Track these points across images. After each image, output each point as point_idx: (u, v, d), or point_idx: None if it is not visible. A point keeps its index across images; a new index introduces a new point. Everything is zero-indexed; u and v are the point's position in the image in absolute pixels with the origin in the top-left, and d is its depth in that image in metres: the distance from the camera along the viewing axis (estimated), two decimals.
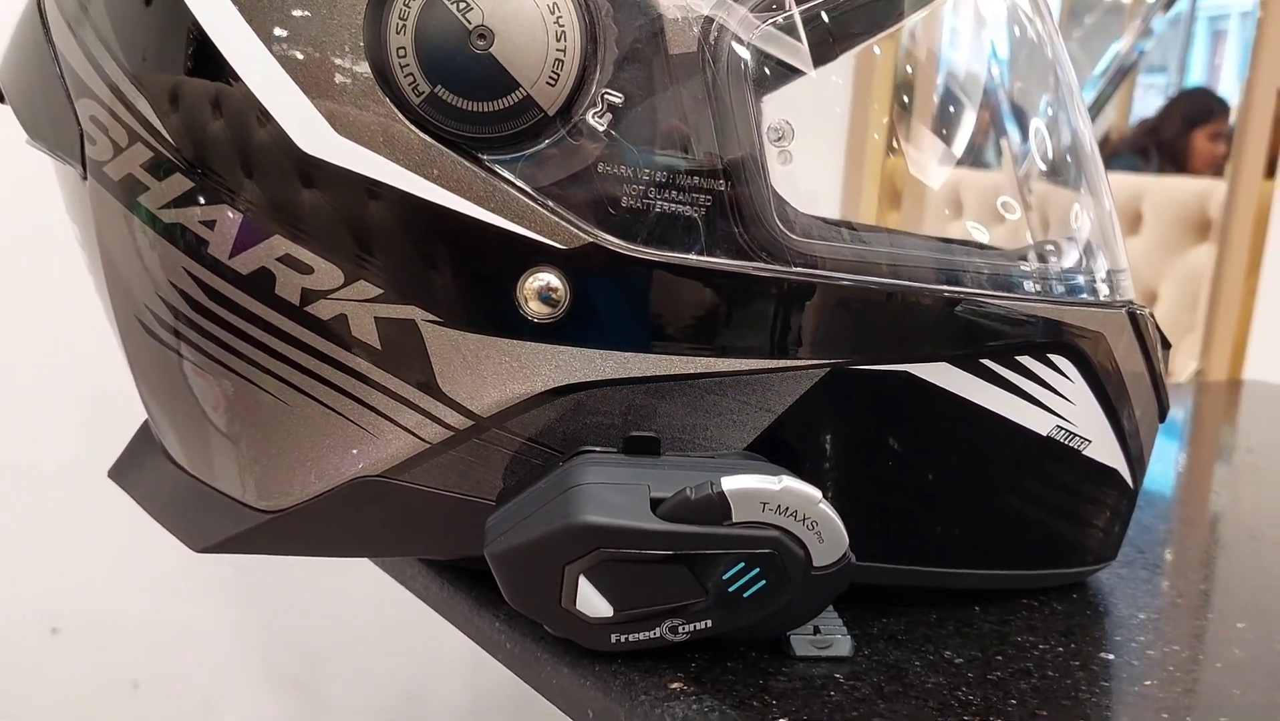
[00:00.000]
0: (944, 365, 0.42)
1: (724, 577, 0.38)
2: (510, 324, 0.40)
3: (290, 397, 0.42)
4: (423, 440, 0.41)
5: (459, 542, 0.43)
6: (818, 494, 0.38)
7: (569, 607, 0.39)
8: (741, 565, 0.38)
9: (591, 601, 0.39)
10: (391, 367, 0.41)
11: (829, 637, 0.42)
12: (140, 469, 0.51)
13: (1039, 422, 0.45)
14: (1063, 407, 0.45)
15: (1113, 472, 0.48)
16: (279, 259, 0.40)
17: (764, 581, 0.38)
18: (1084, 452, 0.46)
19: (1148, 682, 0.42)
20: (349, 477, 0.42)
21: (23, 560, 1.06)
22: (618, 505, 0.38)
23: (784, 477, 0.38)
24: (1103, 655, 0.44)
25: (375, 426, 0.42)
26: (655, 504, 0.38)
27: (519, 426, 0.41)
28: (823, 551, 0.38)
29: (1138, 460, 0.49)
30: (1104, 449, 0.47)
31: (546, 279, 0.39)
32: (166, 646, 1.14)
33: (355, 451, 0.42)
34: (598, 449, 0.40)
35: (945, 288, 0.42)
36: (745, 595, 0.38)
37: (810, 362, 0.41)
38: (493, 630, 0.46)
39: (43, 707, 1.08)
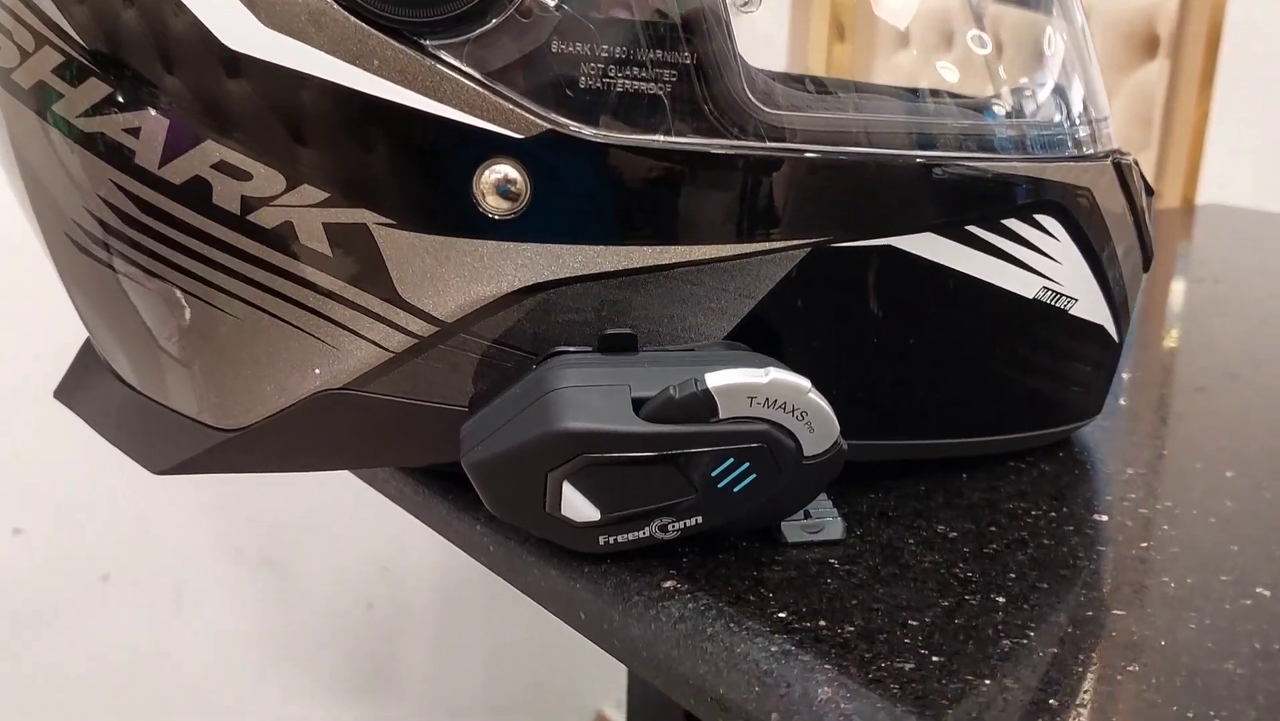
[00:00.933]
0: (928, 235, 0.40)
1: (713, 474, 0.37)
2: (469, 222, 0.37)
3: (241, 313, 0.40)
4: (385, 350, 0.39)
5: (432, 450, 0.42)
6: (806, 383, 0.36)
7: (553, 513, 0.37)
8: (730, 461, 0.37)
9: (577, 505, 0.37)
10: (346, 276, 0.38)
11: (820, 521, 0.41)
12: (88, 389, 0.48)
13: (1026, 286, 0.43)
14: (1049, 269, 0.43)
15: (1098, 329, 0.47)
16: (214, 166, 0.37)
17: (754, 475, 0.37)
18: (1070, 312, 0.45)
19: (1144, 545, 0.42)
20: (310, 392, 0.40)
21: None
22: (599, 408, 0.36)
23: (771, 370, 0.36)
24: (1095, 517, 0.44)
25: (334, 338, 0.39)
26: (637, 404, 0.36)
27: (486, 330, 0.39)
28: (813, 440, 0.37)
29: (1123, 312, 0.48)
30: (1090, 306, 0.46)
31: (504, 171, 0.37)
32: (134, 537, 1.13)
33: (315, 365, 0.40)
34: (572, 349, 0.38)
35: (924, 153, 0.40)
36: (735, 490, 0.37)
37: (790, 244, 0.39)
38: (474, 533, 0.45)
39: (10, 608, 1.07)
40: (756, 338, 0.40)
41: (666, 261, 0.38)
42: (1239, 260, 0.98)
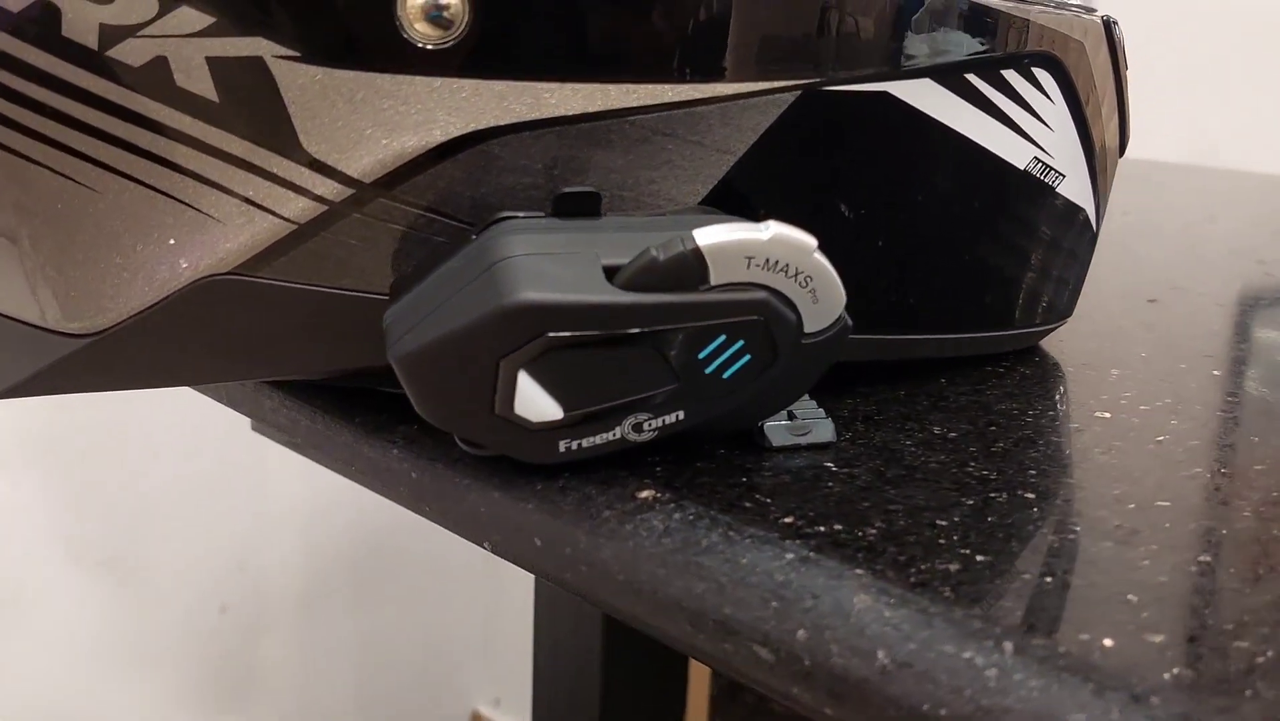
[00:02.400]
0: (927, 82, 0.35)
1: (700, 356, 0.31)
2: (391, 54, 0.30)
3: (97, 180, 0.32)
4: (286, 220, 0.32)
5: (343, 352, 0.34)
6: (813, 241, 0.30)
7: (504, 414, 0.31)
8: (722, 338, 0.30)
9: (534, 401, 0.30)
10: (235, 127, 0.31)
11: (806, 422, 0.35)
12: None
13: (1018, 153, 0.38)
14: (1042, 135, 0.39)
15: (1080, 213, 0.43)
16: None
17: (748, 356, 0.31)
18: (1058, 189, 0.40)
19: (1160, 439, 0.37)
20: (189, 280, 0.32)
21: None
22: (563, 278, 0.29)
23: (771, 224, 0.30)
24: (1099, 414, 0.39)
25: (220, 208, 0.32)
26: (609, 273, 0.30)
27: (413, 193, 0.32)
28: (817, 313, 0.31)
29: (1103, 198, 0.44)
30: (1076, 185, 0.41)
31: None
32: None
33: (195, 244, 0.32)
34: (520, 214, 0.32)
35: None
36: (724, 375, 0.31)
37: (779, 84, 0.33)
38: (388, 459, 0.37)
39: None
40: (730, 207, 0.34)
41: (634, 104, 0.31)
42: (1135, 200, 0.97)
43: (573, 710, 0.78)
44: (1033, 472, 0.34)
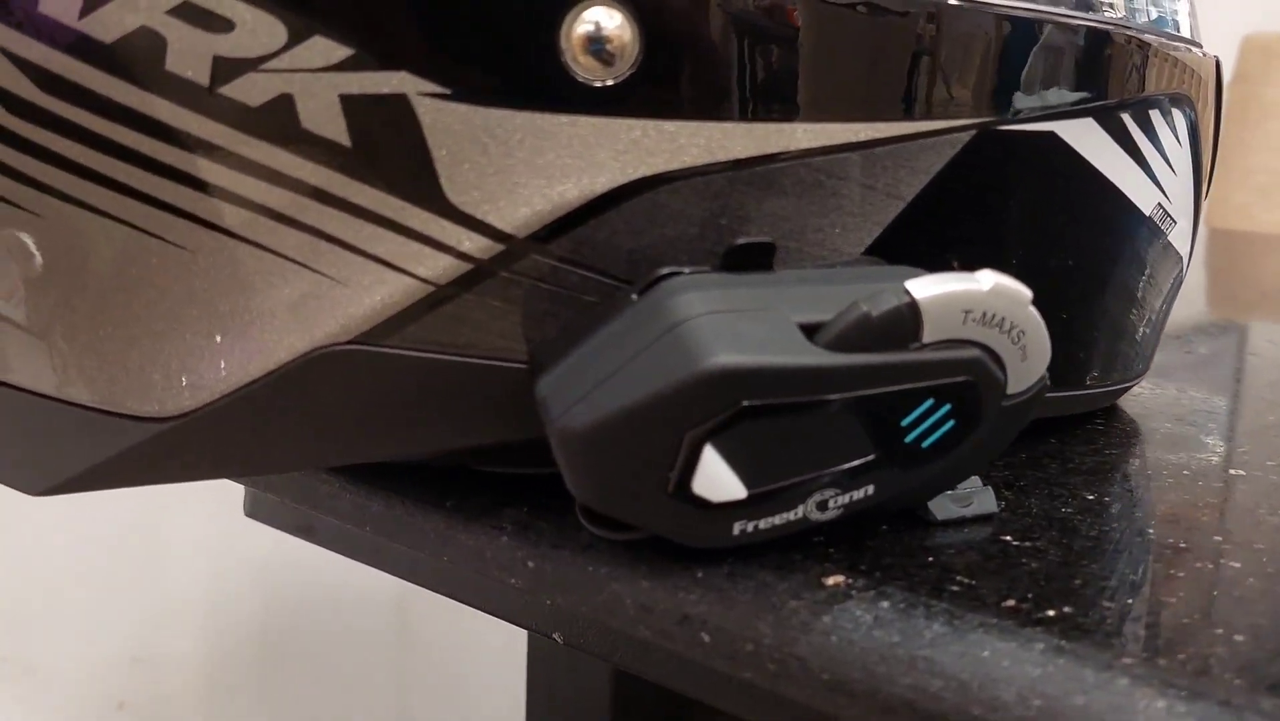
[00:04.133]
0: (1089, 123, 0.33)
1: (902, 424, 0.27)
2: (555, 91, 0.27)
3: (189, 238, 0.27)
4: (422, 281, 0.28)
5: (470, 427, 0.30)
6: (1029, 293, 0.28)
7: (680, 493, 0.27)
8: (929, 402, 0.27)
9: (717, 479, 0.27)
10: (368, 176, 0.27)
11: (968, 492, 0.32)
12: None
13: (1147, 199, 0.37)
14: (1167, 179, 0.37)
15: (1180, 262, 0.41)
16: (171, 11, 0.25)
17: (951, 422, 0.28)
18: (1169, 236, 0.39)
19: None
20: (302, 351, 0.28)
21: None
22: (759, 339, 0.26)
23: (987, 274, 0.27)
24: (1232, 471, 0.37)
25: (343, 269, 0.28)
26: (807, 331, 0.27)
27: (568, 248, 0.28)
28: (1022, 372, 0.29)
29: (1191, 250, 0.43)
30: (1181, 232, 0.40)
31: (598, 18, 0.27)
32: None
33: (310, 310, 0.28)
34: (687, 269, 0.28)
35: (1089, 16, 0.32)
36: (925, 444, 0.28)
37: (958, 123, 0.30)
38: (495, 547, 0.33)
39: None
40: (892, 257, 0.31)
41: (810, 144, 0.29)
42: None
43: None
44: (1218, 538, 0.32)
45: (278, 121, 0.26)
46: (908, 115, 0.29)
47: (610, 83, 0.27)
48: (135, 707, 1.15)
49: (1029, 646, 0.25)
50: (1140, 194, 0.36)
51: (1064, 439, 0.40)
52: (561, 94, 0.27)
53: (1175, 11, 0.38)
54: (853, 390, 0.26)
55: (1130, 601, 0.27)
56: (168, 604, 1.17)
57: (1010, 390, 0.29)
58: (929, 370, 0.27)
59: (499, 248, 0.28)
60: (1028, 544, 0.31)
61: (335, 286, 0.28)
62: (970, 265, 0.31)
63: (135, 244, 0.27)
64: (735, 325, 0.26)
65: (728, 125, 0.28)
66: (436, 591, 0.40)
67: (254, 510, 0.51)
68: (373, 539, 0.38)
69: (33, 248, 0.28)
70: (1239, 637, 0.26)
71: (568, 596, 0.32)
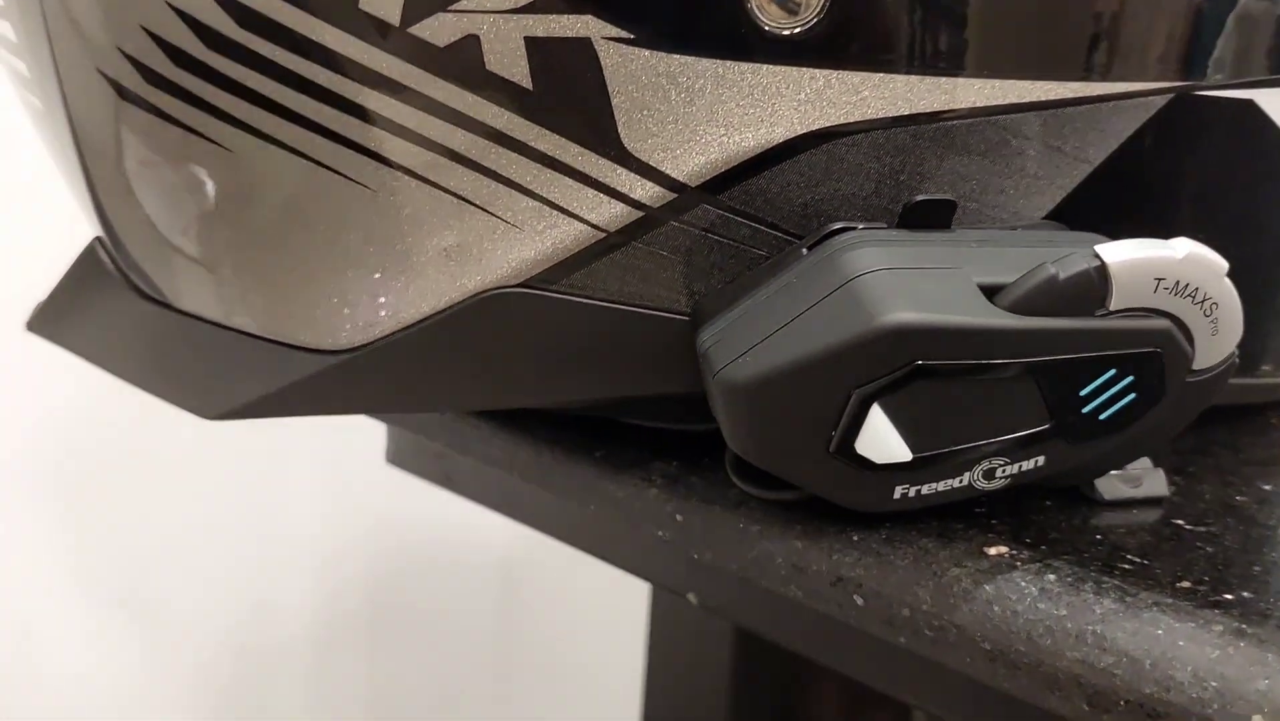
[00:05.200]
0: None
1: (1081, 394, 0.27)
2: (738, 38, 0.27)
3: (374, 177, 0.28)
4: (594, 227, 0.28)
5: (629, 378, 0.30)
6: (1225, 263, 0.26)
7: (842, 452, 0.27)
8: (1111, 372, 0.26)
9: (883, 440, 0.26)
10: (547, 119, 0.27)
11: (1136, 473, 0.31)
12: (86, 313, 0.35)
13: None
14: None
15: None
16: None
17: (1132, 395, 0.27)
18: None
19: None
20: (474, 291, 0.28)
21: None
22: (938, 297, 0.26)
23: (1182, 241, 0.26)
24: None
25: (517, 212, 0.28)
26: (988, 293, 0.26)
27: (741, 199, 0.28)
28: (1212, 347, 0.27)
29: None
30: None
31: None
32: None
33: (483, 252, 0.28)
34: (859, 225, 0.28)
35: None
36: (1102, 416, 0.27)
37: (1155, 85, 0.29)
38: (644, 499, 0.33)
39: None
40: (1075, 224, 0.30)
41: (998, 101, 0.28)
42: None
43: None
44: None
45: (463, 62, 0.26)
46: (1097, 75, 0.28)
47: (795, 31, 0.26)
48: (251, 653, 1.19)
49: (1207, 627, 0.24)
50: None
51: (1234, 429, 0.38)
52: (746, 42, 0.27)
53: None
54: (1033, 355, 0.26)
55: None
56: (284, 555, 1.20)
57: (1196, 366, 0.27)
58: (1115, 339, 0.26)
59: (671, 196, 0.27)
60: (1202, 529, 0.30)
61: (509, 229, 0.28)
62: (1158, 236, 0.30)
63: (318, 180, 0.28)
64: (913, 282, 0.26)
65: (911, 78, 0.27)
66: (573, 544, 0.41)
67: (397, 457, 0.52)
68: (513, 487, 0.39)
69: (217, 181, 0.29)
70: None
71: (717, 552, 0.32)
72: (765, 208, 0.28)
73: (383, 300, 0.29)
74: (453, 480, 0.51)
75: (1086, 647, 0.25)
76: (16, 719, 1.00)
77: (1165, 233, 0.27)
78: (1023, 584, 0.27)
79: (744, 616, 0.40)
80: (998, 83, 0.28)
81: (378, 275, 0.29)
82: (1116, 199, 0.31)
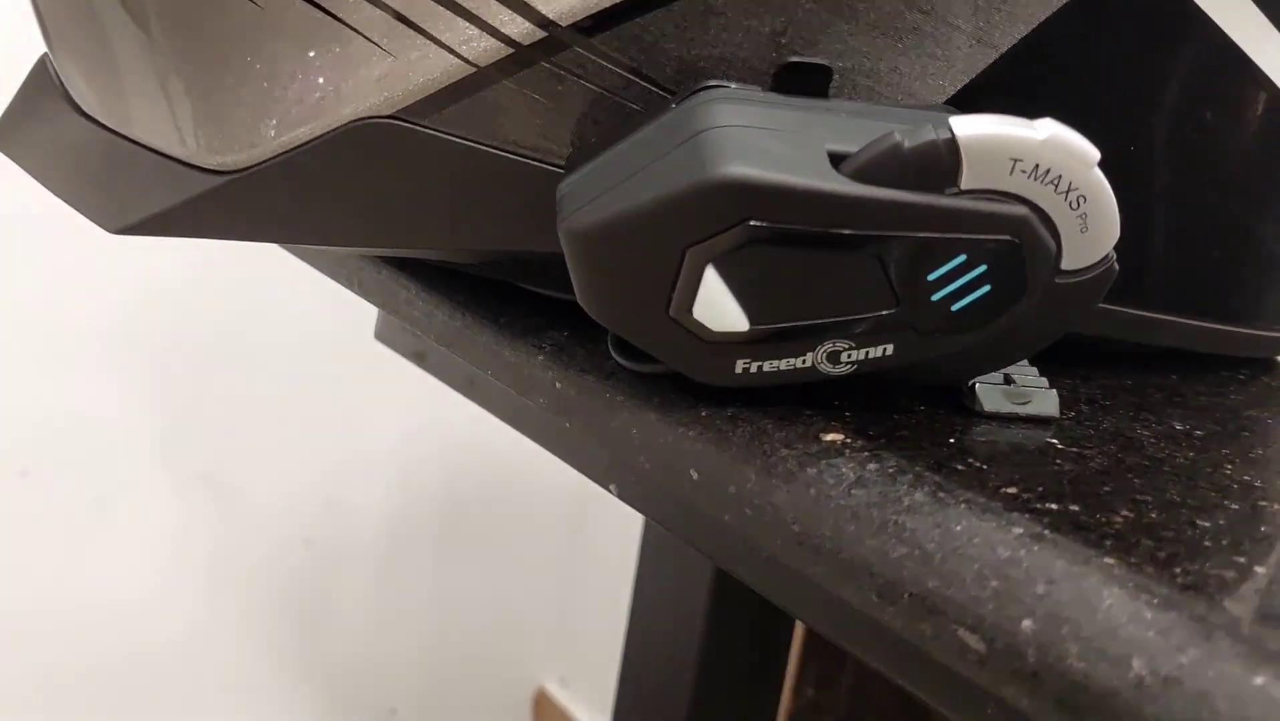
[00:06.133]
0: None
1: (929, 278, 0.25)
2: None
3: None
4: (465, 61, 0.27)
5: (504, 229, 0.30)
6: (1096, 152, 0.25)
7: (680, 316, 0.26)
8: (962, 259, 0.25)
9: (719, 306, 0.25)
10: None
11: (1027, 390, 0.30)
12: (33, 127, 0.36)
13: None
14: None
15: None
16: None
17: (987, 286, 0.25)
18: None
19: None
20: (348, 119, 0.28)
21: None
22: (781, 156, 0.24)
23: (1045, 121, 0.24)
24: None
25: (391, 40, 0.27)
26: (836, 160, 0.25)
27: (614, 45, 0.27)
28: (1081, 246, 0.26)
29: None
30: None
31: None
32: (58, 434, 1.00)
33: (358, 79, 0.28)
34: (734, 84, 0.27)
35: None
36: (954, 307, 0.26)
37: None
38: (531, 365, 0.33)
39: None
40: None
41: None
42: None
43: (661, 692, 0.73)
44: None
45: None
46: None
47: None
48: (320, 545, 1.23)
49: (1006, 529, 0.23)
50: None
51: (1187, 377, 0.36)
52: None
53: None
54: (873, 228, 0.24)
55: (1155, 515, 0.24)
56: (359, 454, 1.23)
57: (1066, 265, 0.26)
58: (964, 220, 0.24)
59: (541, 34, 0.27)
60: (1074, 450, 0.28)
61: (384, 56, 0.28)
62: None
63: None
64: (760, 140, 0.25)
65: None
66: (490, 411, 0.41)
67: (381, 333, 0.53)
68: (473, 372, 0.39)
69: None
70: (1260, 570, 0.23)
71: (582, 419, 0.31)
72: (640, 58, 0.27)
73: (266, 122, 0.29)
74: (425, 359, 0.51)
75: (885, 536, 0.24)
76: (84, 584, 1.05)
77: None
78: (845, 470, 0.25)
79: (653, 511, 0.39)
80: None
81: (262, 96, 0.29)
82: (1034, 95, 0.29)
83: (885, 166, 0.24)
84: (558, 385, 0.32)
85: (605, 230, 0.25)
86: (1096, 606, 0.21)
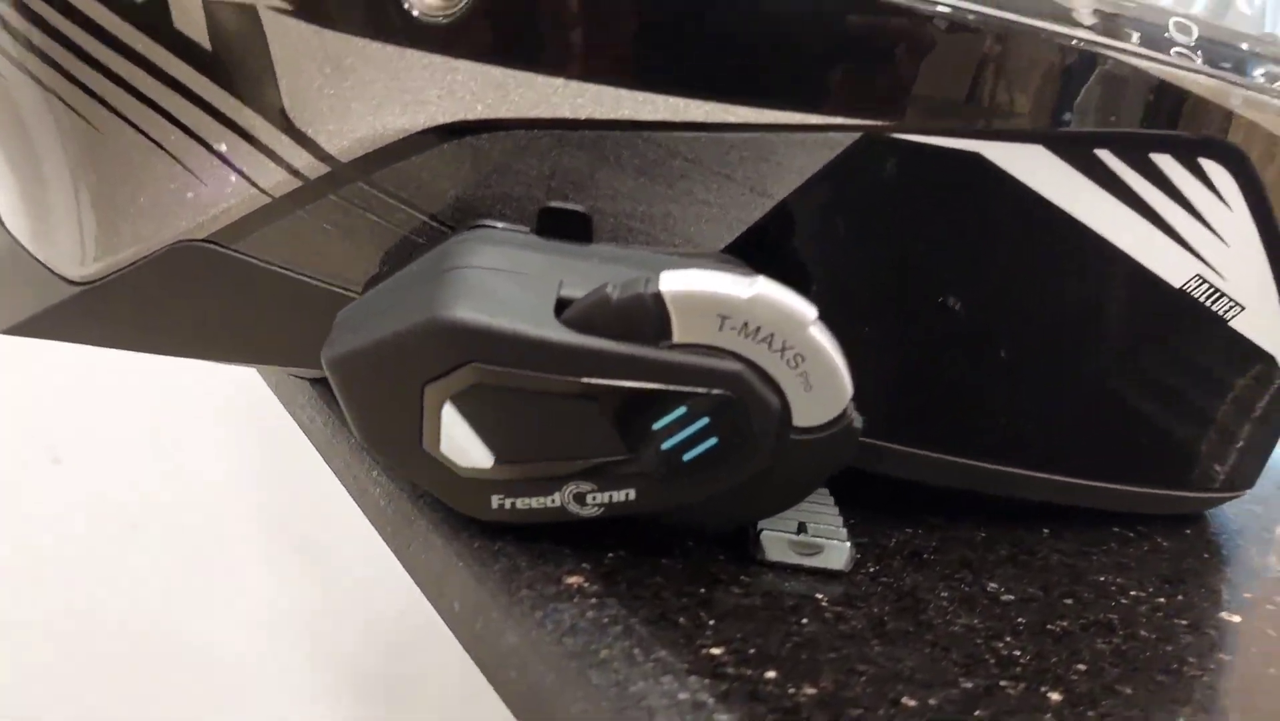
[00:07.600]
0: (1038, 150, 0.28)
1: (654, 428, 0.25)
2: (387, 20, 0.27)
3: (101, 120, 0.30)
4: (261, 190, 0.29)
5: (312, 352, 0.31)
6: (811, 312, 0.24)
7: (431, 450, 0.26)
8: (681, 410, 0.25)
9: (461, 442, 0.26)
10: (223, 79, 0.28)
11: (818, 540, 0.29)
12: None
13: (1171, 266, 0.30)
14: (1209, 248, 0.31)
15: (1266, 360, 0.34)
16: None
17: (713, 440, 0.25)
18: (1231, 322, 0.32)
19: None
20: (169, 241, 0.30)
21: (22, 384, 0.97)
22: (506, 300, 0.25)
23: (759, 280, 0.24)
24: (1223, 615, 0.31)
25: (201, 166, 0.29)
26: (562, 307, 0.25)
27: (393, 182, 0.28)
28: (810, 403, 0.25)
29: None
30: (1259, 321, 0.33)
31: None
32: (164, 487, 1.05)
33: (177, 202, 0.30)
34: (501, 224, 0.27)
35: (1055, 26, 0.28)
36: (685, 457, 0.25)
37: (832, 121, 0.27)
38: (367, 480, 0.34)
39: (44, 542, 1.00)
40: (763, 263, 0.28)
41: (649, 116, 0.26)
42: None
43: None
44: (1081, 667, 0.26)
45: (155, 18, 0.28)
46: (766, 103, 0.26)
47: (441, 19, 0.26)
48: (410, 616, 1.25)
49: (672, 695, 0.22)
50: (1152, 255, 0.30)
51: (1062, 533, 0.34)
52: (395, 25, 0.27)
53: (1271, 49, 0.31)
54: (582, 374, 0.24)
55: (859, 690, 0.23)
56: None
57: (798, 422, 0.25)
58: (676, 373, 0.24)
59: (324, 169, 0.28)
60: (836, 609, 0.27)
61: (195, 182, 0.29)
62: (872, 291, 0.28)
63: (67, 117, 0.30)
64: (495, 283, 0.25)
65: (558, 81, 0.26)
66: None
67: None
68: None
69: (37, 99, 0.32)
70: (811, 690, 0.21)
71: (394, 540, 0.32)
72: (417, 194, 0.28)
73: (108, 238, 0.31)
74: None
75: (575, 690, 0.23)
76: (193, 645, 1.09)
77: (875, 291, 0.25)
78: (565, 616, 0.25)
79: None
80: (646, 96, 0.26)
81: (105, 213, 0.31)
82: (825, 245, 0.28)
83: (597, 317, 0.24)
84: (380, 503, 0.33)
85: (355, 360, 0.26)
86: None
